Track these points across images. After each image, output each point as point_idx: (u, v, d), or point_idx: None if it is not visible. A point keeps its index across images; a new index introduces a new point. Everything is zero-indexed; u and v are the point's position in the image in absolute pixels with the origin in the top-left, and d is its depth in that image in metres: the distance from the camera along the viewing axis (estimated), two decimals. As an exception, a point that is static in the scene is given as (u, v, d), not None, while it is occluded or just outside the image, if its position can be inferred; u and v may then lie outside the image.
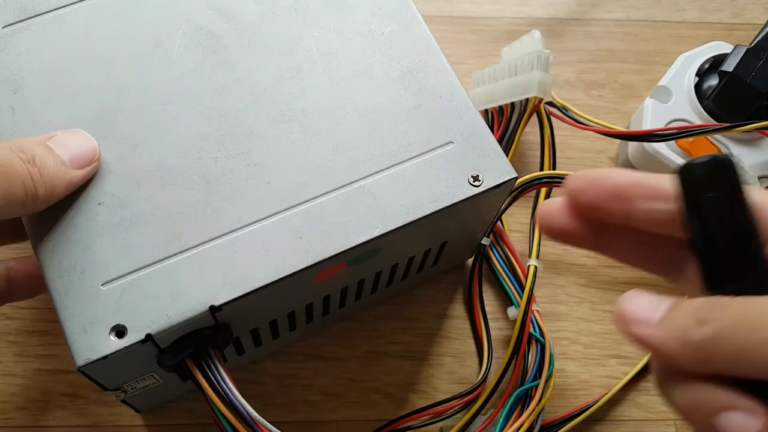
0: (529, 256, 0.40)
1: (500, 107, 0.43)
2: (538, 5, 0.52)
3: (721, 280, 0.21)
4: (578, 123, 0.41)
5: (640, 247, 0.24)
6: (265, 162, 0.30)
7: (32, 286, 0.32)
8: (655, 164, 0.41)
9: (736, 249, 0.21)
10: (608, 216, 0.23)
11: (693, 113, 0.42)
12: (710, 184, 0.21)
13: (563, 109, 0.42)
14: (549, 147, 0.43)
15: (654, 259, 0.25)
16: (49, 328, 0.38)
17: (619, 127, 0.42)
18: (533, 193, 0.42)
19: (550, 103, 0.42)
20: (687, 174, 0.21)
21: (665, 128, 0.41)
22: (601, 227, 0.24)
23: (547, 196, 0.42)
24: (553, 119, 0.43)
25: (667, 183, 0.23)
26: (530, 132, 0.45)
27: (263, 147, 0.31)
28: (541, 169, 0.43)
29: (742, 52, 0.40)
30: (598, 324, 0.41)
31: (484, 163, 0.31)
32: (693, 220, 0.22)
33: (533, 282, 0.39)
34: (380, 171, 0.31)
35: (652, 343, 0.22)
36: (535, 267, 0.39)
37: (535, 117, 0.43)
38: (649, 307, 0.22)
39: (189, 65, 0.32)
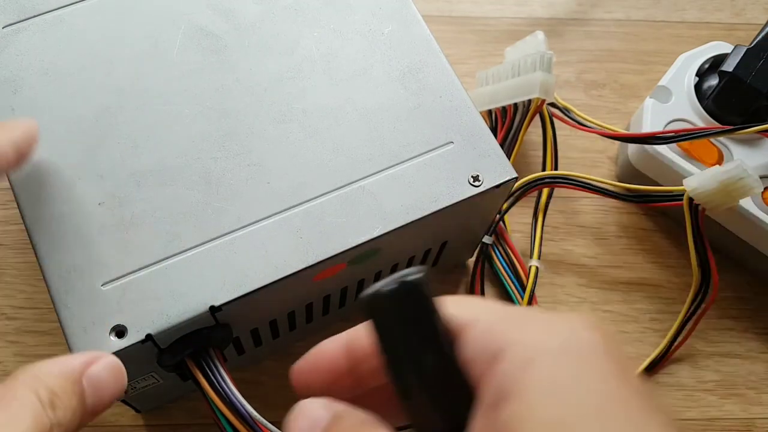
0: (531, 257, 0.40)
1: (503, 107, 0.43)
2: (538, 5, 0.52)
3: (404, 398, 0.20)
4: (580, 125, 0.41)
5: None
6: (265, 162, 0.30)
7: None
8: (656, 165, 0.41)
9: (416, 373, 0.20)
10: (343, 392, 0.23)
11: (693, 113, 0.42)
12: (396, 312, 0.20)
13: (565, 111, 0.42)
14: (551, 147, 0.43)
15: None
16: (49, 328, 0.38)
17: (619, 128, 0.42)
18: (535, 193, 0.42)
19: (553, 104, 0.42)
20: (372, 305, 0.20)
21: (666, 131, 0.41)
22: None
23: (549, 195, 0.42)
24: (555, 120, 0.43)
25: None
26: (532, 132, 0.45)
27: (263, 147, 0.31)
28: (544, 170, 0.43)
29: (742, 52, 0.40)
30: (598, 324, 0.41)
31: (484, 163, 0.31)
32: (382, 349, 0.21)
33: (534, 283, 0.39)
34: (380, 171, 0.31)
35: None
36: (537, 268, 0.39)
37: (537, 117, 0.43)
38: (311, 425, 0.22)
39: (189, 65, 0.32)
